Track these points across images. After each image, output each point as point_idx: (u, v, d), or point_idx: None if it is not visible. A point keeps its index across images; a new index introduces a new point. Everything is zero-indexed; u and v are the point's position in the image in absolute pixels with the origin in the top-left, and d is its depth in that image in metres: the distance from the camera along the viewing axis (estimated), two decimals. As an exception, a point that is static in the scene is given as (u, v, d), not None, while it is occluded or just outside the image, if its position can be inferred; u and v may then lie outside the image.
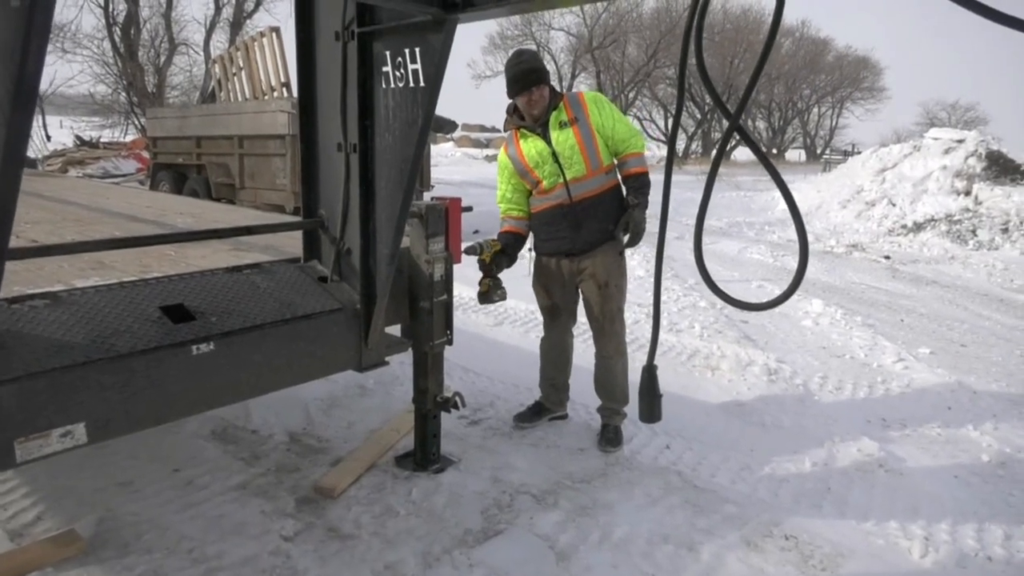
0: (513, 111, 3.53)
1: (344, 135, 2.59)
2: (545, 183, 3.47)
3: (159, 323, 2.16)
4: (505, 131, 3.61)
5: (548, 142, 3.41)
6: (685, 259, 9.32)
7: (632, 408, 3.72)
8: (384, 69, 2.41)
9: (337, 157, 2.65)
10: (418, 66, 2.25)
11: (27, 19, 1.27)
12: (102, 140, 21.11)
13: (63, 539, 2.48)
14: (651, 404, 1.98)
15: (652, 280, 6.57)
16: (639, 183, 3.52)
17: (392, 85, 2.40)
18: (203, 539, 2.65)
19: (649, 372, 1.94)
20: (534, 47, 34.41)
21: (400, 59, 2.32)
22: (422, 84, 2.26)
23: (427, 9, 2.07)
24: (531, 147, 3.45)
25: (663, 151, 35.65)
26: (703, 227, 1.43)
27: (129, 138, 21.95)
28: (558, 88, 3.67)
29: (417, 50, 2.24)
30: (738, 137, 1.45)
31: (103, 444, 2.05)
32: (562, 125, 3.40)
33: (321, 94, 2.71)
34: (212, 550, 2.59)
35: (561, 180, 3.44)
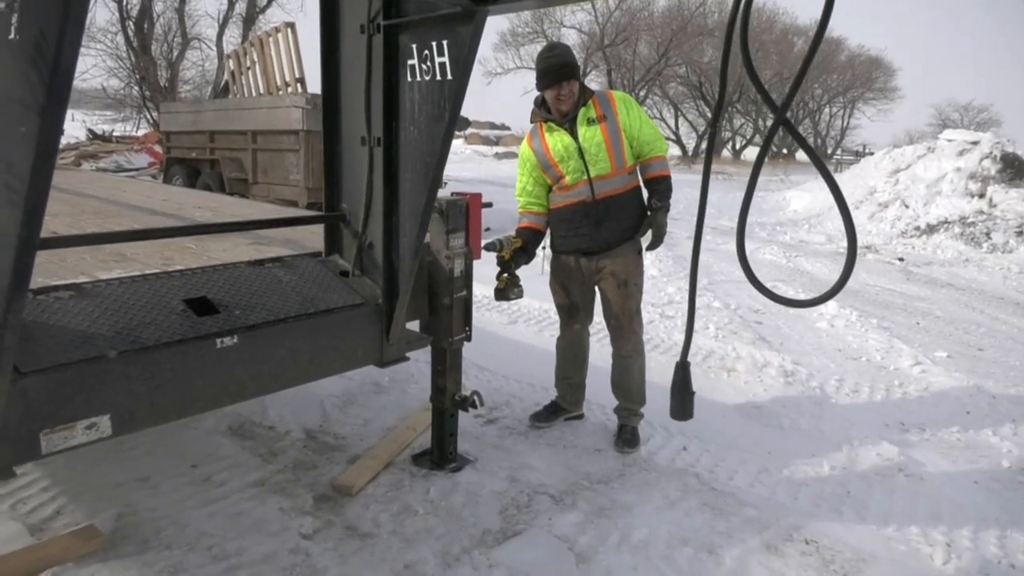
0: (541, 103, 3.51)
1: (368, 129, 2.57)
2: (568, 179, 3.44)
3: (183, 316, 2.15)
4: (531, 123, 3.58)
5: (575, 137, 3.38)
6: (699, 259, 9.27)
7: (648, 409, 3.70)
8: (410, 62, 2.39)
9: (360, 151, 2.63)
10: (446, 59, 2.23)
11: (63, 8, 1.25)
12: (115, 134, 21.18)
13: (83, 534, 2.47)
14: (684, 401, 1.95)
15: (664, 280, 6.50)
16: (663, 186, 3.50)
17: (418, 78, 2.37)
18: (222, 536, 2.64)
19: (683, 368, 1.91)
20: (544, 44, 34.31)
21: (427, 52, 2.29)
22: (449, 77, 2.24)
23: (458, 1, 2.05)
24: (557, 141, 3.42)
25: (673, 150, 35.54)
26: (745, 223, 1.40)
27: (141, 132, 22.04)
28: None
29: (445, 43, 2.21)
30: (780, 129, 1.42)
31: (121, 439, 2.04)
32: (590, 122, 3.37)
33: (345, 87, 2.69)
34: (232, 547, 2.57)
35: (585, 177, 3.41)
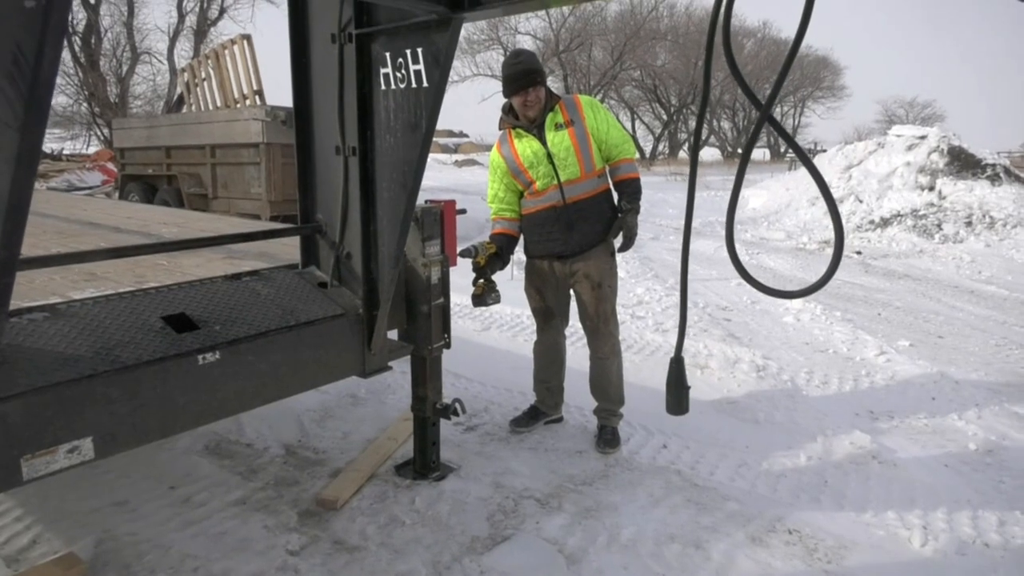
0: (508, 110, 3.52)
1: (342, 138, 2.54)
2: (539, 184, 3.46)
3: (162, 333, 2.10)
4: (500, 129, 3.59)
5: (543, 143, 3.40)
6: (663, 260, 9.41)
7: (626, 409, 3.73)
8: (384, 70, 2.38)
9: (335, 161, 2.60)
10: (420, 66, 2.22)
11: (42, 19, 1.22)
12: (65, 152, 20.63)
13: (63, 563, 2.39)
14: (679, 396, 1.96)
15: (632, 281, 6.52)
16: (632, 188, 3.54)
17: (393, 86, 2.36)
18: (207, 557, 2.58)
19: (677, 364, 1.92)
20: (501, 52, 34.42)
21: (401, 60, 2.29)
22: (425, 84, 2.23)
23: (433, 8, 2.04)
24: (526, 147, 3.44)
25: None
26: (733, 222, 1.42)
27: (92, 150, 21.49)
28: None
29: (419, 50, 2.21)
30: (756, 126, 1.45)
31: (94, 463, 1.98)
32: (558, 127, 3.39)
33: (317, 97, 2.66)
34: (218, 568, 2.52)
35: (555, 181, 3.43)
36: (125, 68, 24.52)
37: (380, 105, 2.45)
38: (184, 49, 25.54)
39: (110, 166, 15.10)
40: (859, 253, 10.34)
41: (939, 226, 11.68)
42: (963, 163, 13.31)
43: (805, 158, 1.33)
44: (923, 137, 14.06)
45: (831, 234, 12.06)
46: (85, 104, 23.35)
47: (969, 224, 11.63)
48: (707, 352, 5.16)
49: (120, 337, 2.01)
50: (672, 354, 1.93)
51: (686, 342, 5.43)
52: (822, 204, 13.98)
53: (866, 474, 3.37)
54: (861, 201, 13.29)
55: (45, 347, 1.87)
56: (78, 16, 22.76)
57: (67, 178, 15.13)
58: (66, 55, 22.68)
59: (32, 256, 2.07)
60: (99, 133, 22.98)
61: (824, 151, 19.53)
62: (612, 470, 3.37)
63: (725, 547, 2.74)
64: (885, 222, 12.29)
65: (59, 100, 23.29)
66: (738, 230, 12.57)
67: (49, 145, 22.42)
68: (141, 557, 2.57)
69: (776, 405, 4.21)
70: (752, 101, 1.30)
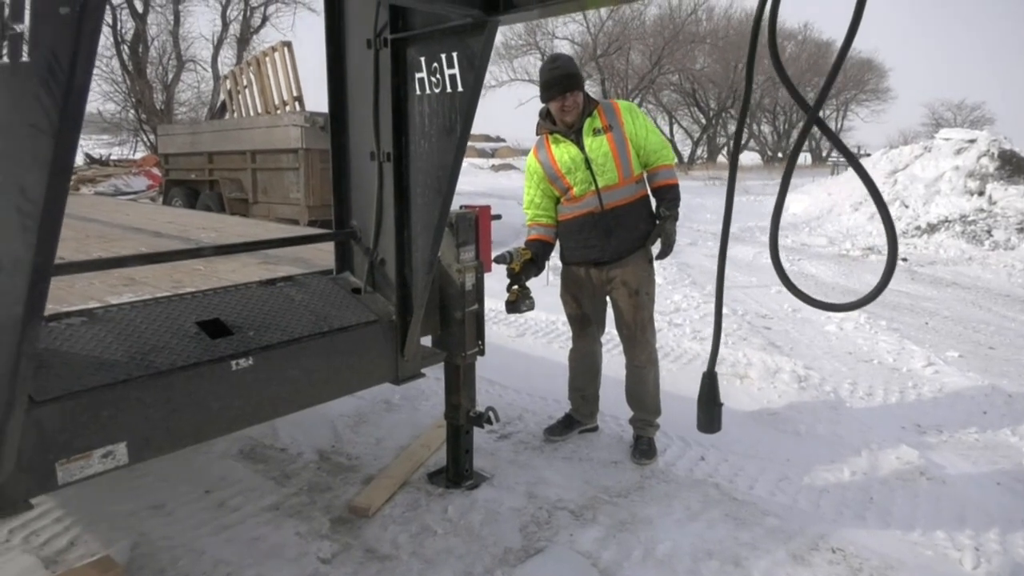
0: (546, 115, 3.48)
1: (377, 143, 2.54)
2: (576, 190, 3.41)
3: (197, 338, 2.10)
4: (537, 135, 3.55)
5: (581, 148, 3.35)
6: (702, 266, 9.27)
7: (663, 419, 3.65)
8: (419, 75, 2.36)
9: (370, 166, 2.60)
10: (456, 71, 2.20)
11: (76, 26, 1.22)
12: (112, 158, 21.19)
13: (100, 566, 2.41)
14: (710, 413, 1.89)
15: (670, 288, 6.41)
16: (671, 195, 3.47)
17: (428, 91, 2.35)
18: (239, 563, 2.58)
19: (710, 378, 1.85)
20: (539, 56, 34.42)
21: (436, 64, 2.27)
22: (460, 89, 2.21)
23: (468, 11, 2.02)
24: (564, 152, 3.39)
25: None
26: (778, 227, 1.36)
27: (139, 155, 22.06)
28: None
29: (455, 54, 2.19)
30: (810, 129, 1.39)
31: (131, 467, 2.00)
32: (596, 132, 3.34)
33: (352, 103, 2.67)
34: (249, 574, 2.52)
35: (593, 187, 3.38)
36: (171, 76, 25.13)
37: (415, 110, 2.44)
38: (228, 57, 26.11)
39: (155, 171, 15.44)
40: (905, 260, 10.06)
41: (989, 232, 11.31)
42: (1015, 167, 12.87)
43: (854, 160, 1.26)
44: (972, 141, 13.63)
45: (875, 240, 11.80)
46: (132, 111, 23.99)
47: (1021, 230, 11.23)
48: (747, 361, 5.05)
49: (155, 342, 2.02)
50: (702, 364, 1.87)
51: (724, 351, 5.34)
52: (865, 209, 13.66)
53: (914, 491, 3.24)
54: (907, 206, 12.94)
55: (81, 352, 1.89)
56: (127, 25, 23.48)
57: (114, 183, 15.48)
58: (115, 63, 23.40)
59: (70, 261, 2.10)
60: (145, 139, 23.58)
61: (868, 155, 19.09)
62: (648, 482, 3.30)
63: (765, 565, 2.65)
64: (932, 228, 11.95)
65: (107, 107, 24.03)
66: (779, 235, 12.30)
67: (98, 151, 23.11)
68: (175, 562, 2.58)
69: (818, 417, 4.09)
70: (799, 103, 1.25)
